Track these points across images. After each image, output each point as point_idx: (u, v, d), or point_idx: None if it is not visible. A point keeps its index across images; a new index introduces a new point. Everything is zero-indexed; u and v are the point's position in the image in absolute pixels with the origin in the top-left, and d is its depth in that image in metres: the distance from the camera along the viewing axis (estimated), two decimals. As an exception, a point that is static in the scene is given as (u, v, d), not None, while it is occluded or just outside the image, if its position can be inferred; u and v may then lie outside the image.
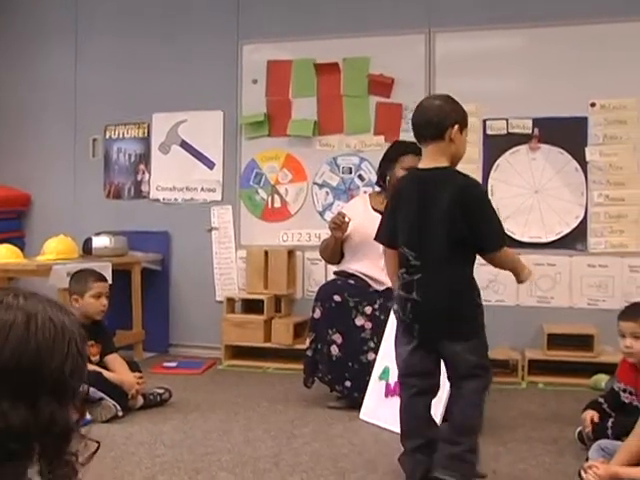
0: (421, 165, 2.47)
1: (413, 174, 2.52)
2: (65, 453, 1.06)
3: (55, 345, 1.04)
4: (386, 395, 3.20)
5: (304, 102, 4.81)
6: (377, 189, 3.87)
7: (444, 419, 2.72)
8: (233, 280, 4.94)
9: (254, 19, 4.90)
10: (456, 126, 2.39)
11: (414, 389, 2.45)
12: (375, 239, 2.58)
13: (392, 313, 2.61)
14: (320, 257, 3.92)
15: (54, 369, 1.03)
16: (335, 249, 3.66)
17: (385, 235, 2.52)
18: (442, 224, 2.33)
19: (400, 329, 2.47)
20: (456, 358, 2.39)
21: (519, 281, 2.57)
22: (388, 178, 3.61)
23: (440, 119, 2.38)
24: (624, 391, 2.79)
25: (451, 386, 2.48)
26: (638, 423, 2.23)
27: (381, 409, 3.17)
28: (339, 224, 3.52)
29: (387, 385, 3.21)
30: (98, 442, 1.11)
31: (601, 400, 2.86)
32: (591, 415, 2.80)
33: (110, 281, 3.94)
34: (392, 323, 2.93)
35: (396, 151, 3.63)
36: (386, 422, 3.09)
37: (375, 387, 3.25)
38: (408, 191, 2.44)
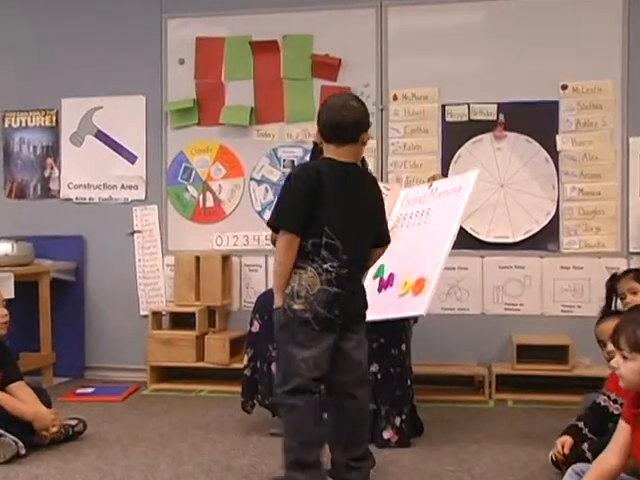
0: (339, 158, 2.68)
1: (336, 164, 2.68)
2: None
3: None
4: (379, 290, 3.35)
5: (239, 86, 4.78)
6: None
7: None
8: (160, 291, 4.89)
9: (180, -10, 4.86)
10: (368, 130, 2.71)
11: (318, 395, 2.62)
12: (284, 227, 2.61)
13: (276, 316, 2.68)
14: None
15: None
16: None
17: (301, 224, 2.59)
18: (371, 218, 2.72)
19: (315, 329, 2.59)
20: (357, 353, 2.69)
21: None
22: None
23: (360, 123, 2.69)
24: (614, 402, 2.79)
25: (343, 395, 2.70)
26: (612, 439, 2.25)
27: (373, 304, 3.25)
28: None
29: (381, 280, 3.37)
30: None
31: (581, 425, 2.85)
32: (562, 442, 2.79)
33: (12, 295, 3.84)
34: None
35: (321, 151, 3.61)
36: (378, 313, 3.18)
37: (369, 286, 3.32)
38: (333, 181, 2.63)
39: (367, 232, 2.70)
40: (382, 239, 2.80)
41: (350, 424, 2.71)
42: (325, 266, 2.59)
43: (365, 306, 2.77)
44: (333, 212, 2.60)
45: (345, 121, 2.65)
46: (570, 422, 2.93)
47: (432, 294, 3.01)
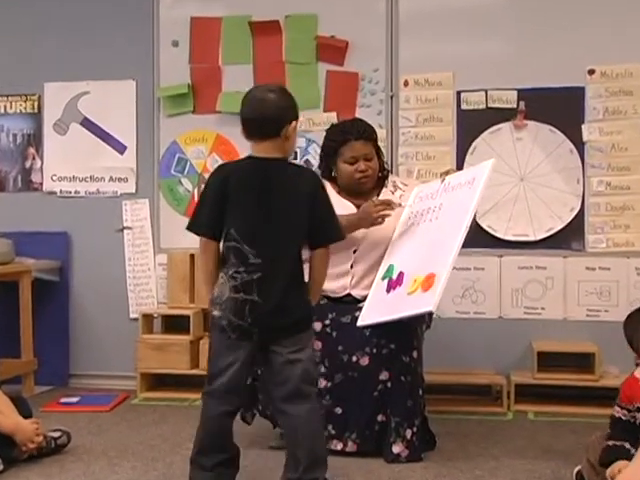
0: (256, 154, 2.75)
1: (249, 162, 2.77)
2: None
3: None
4: (387, 291, 3.37)
5: (237, 70, 4.77)
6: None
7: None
8: (151, 292, 4.89)
9: (174, -34, 4.85)
10: (293, 123, 2.73)
11: (229, 407, 2.75)
12: (195, 231, 2.76)
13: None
14: None
15: None
16: None
17: (210, 226, 2.71)
18: (292, 217, 2.70)
19: (230, 339, 2.69)
20: (288, 368, 2.69)
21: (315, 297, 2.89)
22: (334, 174, 3.66)
23: (279, 116, 2.71)
24: None
25: (275, 411, 2.84)
26: (639, 452, 2.22)
27: (381, 305, 3.35)
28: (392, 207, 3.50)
29: (390, 280, 3.39)
30: None
31: (627, 446, 2.77)
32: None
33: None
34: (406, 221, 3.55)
35: (334, 141, 3.63)
36: (386, 315, 3.26)
37: (377, 288, 3.45)
38: (245, 181, 2.71)
39: (289, 233, 2.70)
40: (318, 239, 2.75)
41: (288, 441, 2.78)
42: (231, 272, 2.67)
43: (299, 317, 2.74)
44: (241, 214, 2.67)
45: (260, 115, 2.70)
46: (605, 444, 2.85)
47: (442, 289, 3.00)
